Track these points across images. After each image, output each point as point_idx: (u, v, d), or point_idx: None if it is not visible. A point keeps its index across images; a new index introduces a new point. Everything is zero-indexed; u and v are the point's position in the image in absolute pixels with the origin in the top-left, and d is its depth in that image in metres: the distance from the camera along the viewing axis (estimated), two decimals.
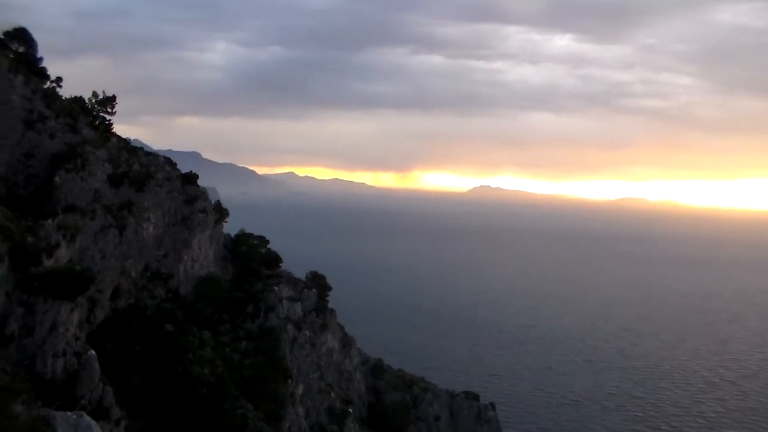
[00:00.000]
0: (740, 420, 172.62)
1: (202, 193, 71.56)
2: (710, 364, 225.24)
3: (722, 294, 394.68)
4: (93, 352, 41.93)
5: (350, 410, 78.98)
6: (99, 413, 38.77)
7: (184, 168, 73.74)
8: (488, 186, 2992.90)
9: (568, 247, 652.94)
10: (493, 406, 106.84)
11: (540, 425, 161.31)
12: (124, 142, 67.18)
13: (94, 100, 64.72)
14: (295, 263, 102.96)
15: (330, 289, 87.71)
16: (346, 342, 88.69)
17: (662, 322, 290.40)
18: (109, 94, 65.72)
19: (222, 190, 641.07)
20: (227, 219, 77.63)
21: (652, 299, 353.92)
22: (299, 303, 78.07)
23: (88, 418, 27.82)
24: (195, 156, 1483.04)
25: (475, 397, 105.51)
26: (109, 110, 65.26)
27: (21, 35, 58.97)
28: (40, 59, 60.24)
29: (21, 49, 58.57)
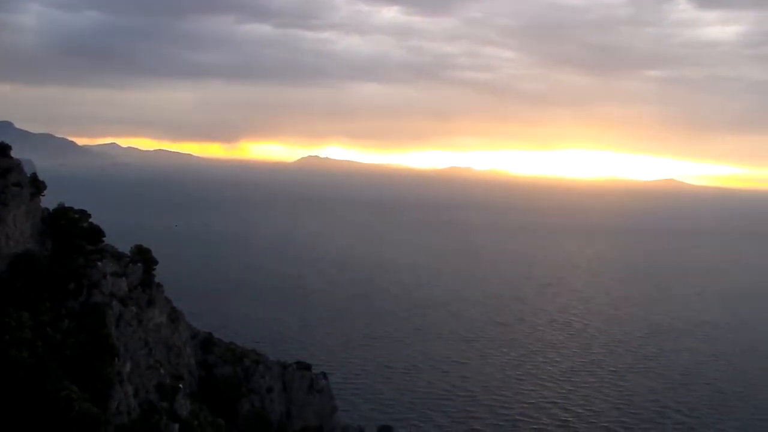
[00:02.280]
0: (563, 381, 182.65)
1: (16, 166, 68.14)
2: (535, 330, 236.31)
3: (546, 259, 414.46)
4: None
5: (180, 386, 77.47)
6: None
7: None
8: (317, 156, 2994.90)
9: (397, 217, 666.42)
10: (325, 375, 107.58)
11: (371, 393, 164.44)
12: None
13: None
14: (119, 237, 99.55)
15: (156, 263, 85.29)
16: (175, 317, 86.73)
17: (488, 289, 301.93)
18: None
19: (38, 162, 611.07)
20: (45, 192, 74.31)
21: (478, 266, 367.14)
22: (124, 278, 75.57)
23: None
24: (7, 126, 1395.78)
25: (307, 367, 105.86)
26: None
27: None
28: None
29: None
